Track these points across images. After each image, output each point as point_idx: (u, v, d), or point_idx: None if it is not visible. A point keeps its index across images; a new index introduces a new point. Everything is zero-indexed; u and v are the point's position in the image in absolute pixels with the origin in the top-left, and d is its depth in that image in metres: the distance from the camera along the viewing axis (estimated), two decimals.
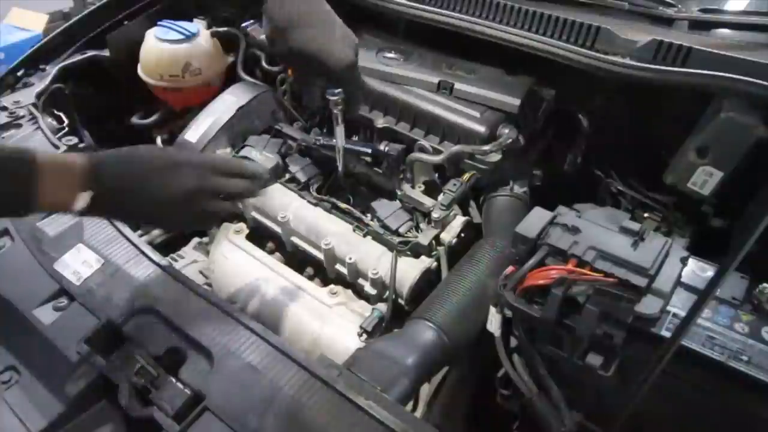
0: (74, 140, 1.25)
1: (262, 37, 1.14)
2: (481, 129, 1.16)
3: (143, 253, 1.01)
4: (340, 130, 1.13)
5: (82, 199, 0.80)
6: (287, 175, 1.26)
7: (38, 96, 1.33)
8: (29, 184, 0.76)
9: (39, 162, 0.77)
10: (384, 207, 1.15)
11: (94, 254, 1.01)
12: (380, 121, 1.25)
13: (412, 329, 0.95)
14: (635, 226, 0.88)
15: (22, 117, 1.28)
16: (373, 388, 0.81)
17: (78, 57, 1.44)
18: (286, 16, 1.02)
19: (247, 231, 1.29)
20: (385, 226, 1.12)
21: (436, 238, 1.10)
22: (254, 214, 1.25)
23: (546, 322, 0.83)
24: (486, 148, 1.14)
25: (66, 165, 0.80)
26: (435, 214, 1.11)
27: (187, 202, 0.86)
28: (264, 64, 1.45)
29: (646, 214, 1.20)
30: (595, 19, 1.11)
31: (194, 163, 0.88)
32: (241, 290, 1.20)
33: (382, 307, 1.08)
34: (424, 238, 1.09)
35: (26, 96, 1.34)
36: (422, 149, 1.21)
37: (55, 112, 1.34)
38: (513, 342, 0.95)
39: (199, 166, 0.88)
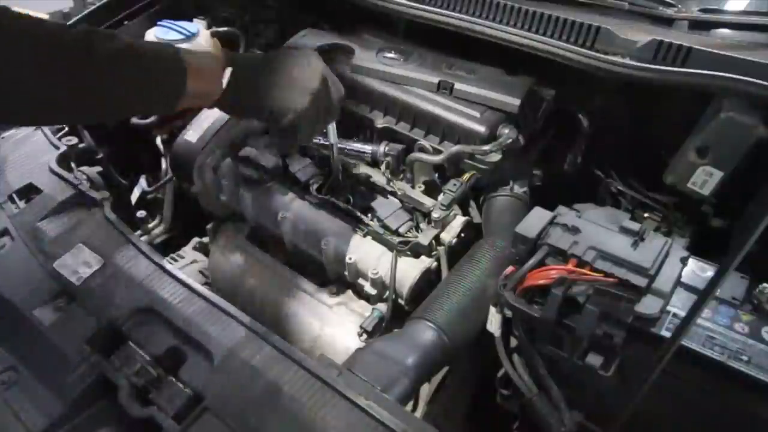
0: (74, 140, 1.25)
1: None
2: (481, 129, 1.16)
3: (143, 253, 1.01)
4: (332, 128, 1.13)
5: (225, 78, 0.84)
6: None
7: None
8: (182, 77, 0.80)
9: (185, 57, 0.81)
10: (384, 207, 1.15)
11: (94, 254, 1.01)
12: (380, 121, 1.25)
13: (412, 329, 0.95)
14: (635, 226, 0.88)
15: None
16: (373, 388, 0.81)
17: None
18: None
19: (247, 231, 1.29)
20: (385, 226, 1.12)
21: (436, 238, 1.10)
22: (254, 213, 1.25)
23: (546, 322, 0.83)
24: (486, 148, 1.14)
25: (209, 56, 0.85)
26: (435, 214, 1.11)
27: (318, 93, 0.89)
28: None
29: (646, 214, 1.20)
30: (595, 19, 1.11)
31: (319, 61, 0.92)
32: (241, 290, 1.20)
33: (382, 307, 1.08)
34: (424, 238, 1.09)
35: None
36: (422, 149, 1.21)
37: None
38: (513, 342, 0.95)
39: (323, 66, 0.92)
